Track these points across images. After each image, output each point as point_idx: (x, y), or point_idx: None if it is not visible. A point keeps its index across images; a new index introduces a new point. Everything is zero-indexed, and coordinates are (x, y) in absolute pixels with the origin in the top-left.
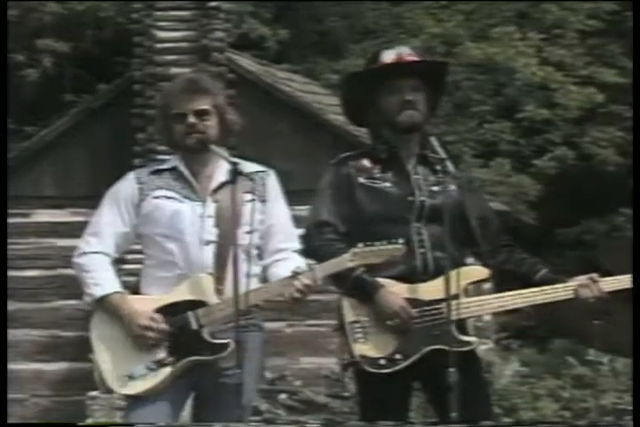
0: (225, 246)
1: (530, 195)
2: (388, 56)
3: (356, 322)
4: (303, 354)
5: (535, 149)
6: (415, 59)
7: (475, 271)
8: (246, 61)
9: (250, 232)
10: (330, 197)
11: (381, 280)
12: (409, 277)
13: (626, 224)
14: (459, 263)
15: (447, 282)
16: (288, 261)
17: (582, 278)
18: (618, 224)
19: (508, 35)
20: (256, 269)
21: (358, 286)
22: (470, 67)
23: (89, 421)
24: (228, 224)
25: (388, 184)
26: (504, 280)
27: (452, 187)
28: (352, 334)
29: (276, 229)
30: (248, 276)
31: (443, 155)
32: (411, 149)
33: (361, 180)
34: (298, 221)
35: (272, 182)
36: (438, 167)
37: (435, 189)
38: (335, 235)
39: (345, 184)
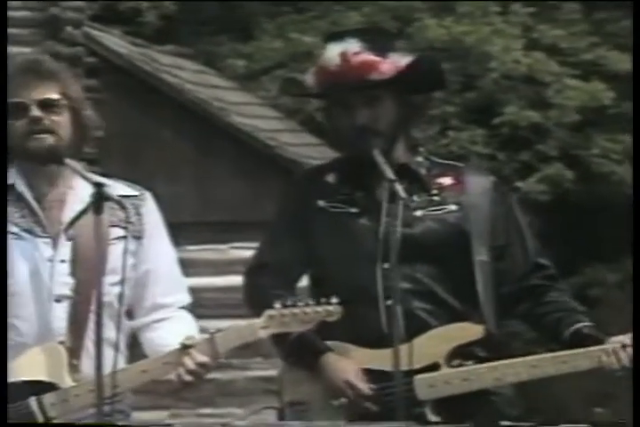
0: (84, 304)
1: None
2: (332, 57)
3: (296, 403)
4: None
5: (519, 167)
6: (367, 59)
7: (464, 331)
8: (114, 40)
9: (120, 283)
10: (277, 228)
11: (333, 344)
12: (373, 340)
13: None
14: (456, 317)
15: (401, 350)
16: (172, 322)
17: (614, 342)
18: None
19: (482, 8)
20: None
21: (299, 352)
22: (430, 51)
23: None
24: (88, 272)
25: (354, 209)
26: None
27: (452, 207)
28: (292, 420)
29: (154, 276)
30: (117, 346)
31: (390, 175)
32: (391, 159)
33: (321, 203)
34: (186, 266)
35: (150, 211)
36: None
37: (418, 213)
38: (279, 281)
39: (300, 209)
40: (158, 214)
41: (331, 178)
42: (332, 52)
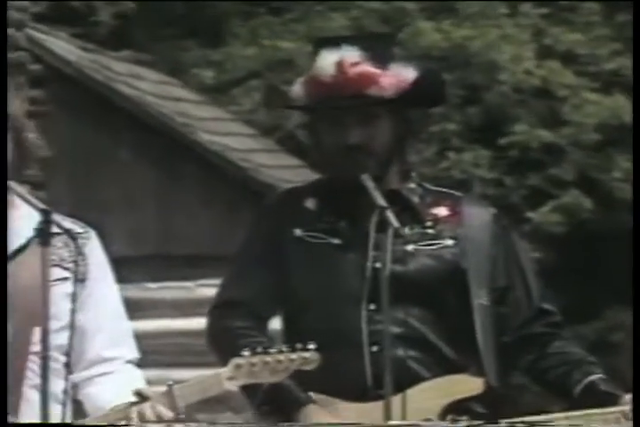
0: (22, 352)
1: None
2: (326, 66)
3: None
4: None
5: (530, 194)
6: (367, 71)
7: (462, 384)
8: (62, 45)
9: (60, 330)
10: (246, 259)
11: (314, 396)
12: (355, 392)
13: None
14: (451, 367)
15: (389, 403)
16: (116, 376)
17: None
18: None
19: (486, 9)
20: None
21: (276, 401)
22: (426, 60)
23: None
24: (26, 318)
25: (337, 240)
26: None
27: (448, 242)
28: None
29: (98, 325)
30: (64, 402)
31: (381, 202)
32: (381, 184)
33: (298, 232)
34: (146, 306)
35: (94, 250)
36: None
37: (409, 248)
38: (247, 320)
39: (273, 238)
40: (103, 255)
41: (310, 203)
42: (327, 61)
